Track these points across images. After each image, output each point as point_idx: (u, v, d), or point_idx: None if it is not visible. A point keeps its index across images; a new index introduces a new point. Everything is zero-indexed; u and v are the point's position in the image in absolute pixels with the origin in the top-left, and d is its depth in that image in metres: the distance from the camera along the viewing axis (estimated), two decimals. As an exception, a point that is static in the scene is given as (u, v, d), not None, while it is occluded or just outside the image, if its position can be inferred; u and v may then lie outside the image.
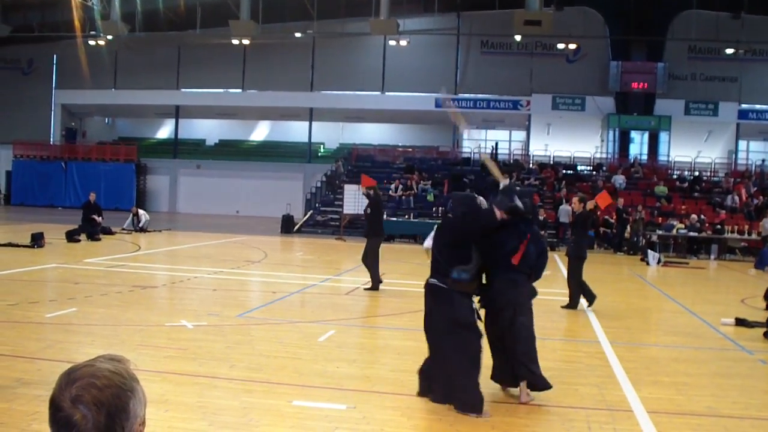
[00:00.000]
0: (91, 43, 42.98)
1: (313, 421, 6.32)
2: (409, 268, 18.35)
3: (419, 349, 9.44)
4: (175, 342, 9.20)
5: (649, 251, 24.34)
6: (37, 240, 20.17)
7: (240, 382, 7.49)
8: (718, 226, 28.24)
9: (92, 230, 24.15)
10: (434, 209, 31.81)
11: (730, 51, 40.97)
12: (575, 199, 14.79)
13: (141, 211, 29.78)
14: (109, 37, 40.59)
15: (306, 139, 47.51)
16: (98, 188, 37.32)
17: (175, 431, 5.91)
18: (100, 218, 25.19)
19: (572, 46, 41.98)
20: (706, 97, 41.92)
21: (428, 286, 7.04)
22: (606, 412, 6.87)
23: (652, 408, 6.98)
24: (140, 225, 28.49)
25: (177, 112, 49.21)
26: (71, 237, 22.88)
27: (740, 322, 11.93)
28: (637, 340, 10.88)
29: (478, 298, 7.21)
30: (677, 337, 11.23)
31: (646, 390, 7.66)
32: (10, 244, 20.05)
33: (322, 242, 28.58)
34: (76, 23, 41.34)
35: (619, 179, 35.64)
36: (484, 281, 7.25)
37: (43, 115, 49.47)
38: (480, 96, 44.27)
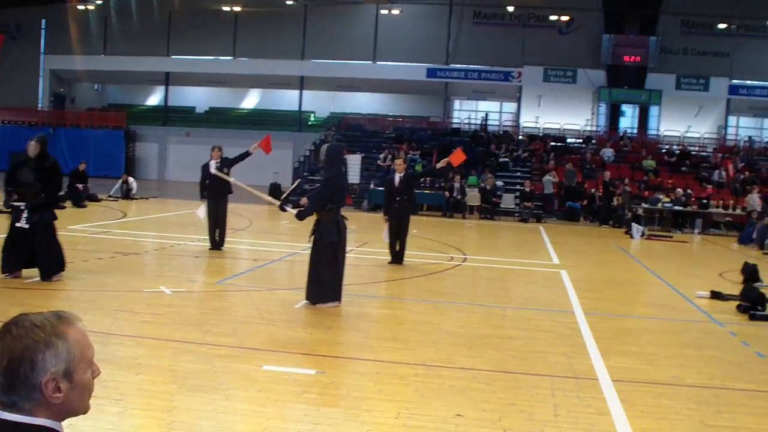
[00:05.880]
0: (81, 7, 42.70)
1: (281, 385, 6.38)
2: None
3: (395, 317, 9.59)
4: (153, 308, 9.27)
5: (633, 224, 24.41)
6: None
7: (213, 347, 7.54)
8: (704, 201, 28.31)
9: (77, 197, 24.10)
10: (422, 180, 31.69)
11: (722, 26, 40.92)
12: (398, 161, 15.07)
13: (131, 179, 29.73)
14: (99, 1, 40.33)
15: (296, 108, 47.34)
16: (87, 155, 37.08)
17: (145, 393, 5.99)
18: (82, 185, 25.13)
19: (565, 18, 41.82)
20: (697, 71, 41.78)
21: None
22: (572, 380, 6.98)
23: (617, 377, 7.09)
24: (132, 193, 28.51)
25: (167, 79, 48.88)
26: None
27: (715, 295, 12.05)
28: (611, 311, 10.96)
29: None
30: (652, 308, 11.36)
31: (614, 359, 7.77)
32: (-6, 209, 20.04)
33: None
34: (66, -13, 41.13)
35: (608, 152, 35.66)
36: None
37: (32, 80, 49.07)
38: (471, 67, 44.06)
